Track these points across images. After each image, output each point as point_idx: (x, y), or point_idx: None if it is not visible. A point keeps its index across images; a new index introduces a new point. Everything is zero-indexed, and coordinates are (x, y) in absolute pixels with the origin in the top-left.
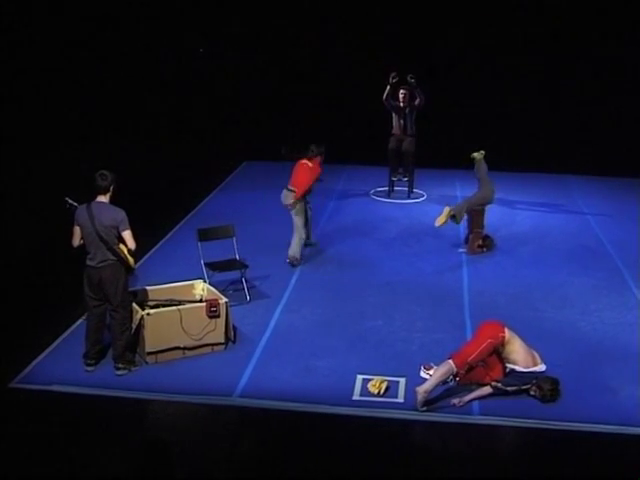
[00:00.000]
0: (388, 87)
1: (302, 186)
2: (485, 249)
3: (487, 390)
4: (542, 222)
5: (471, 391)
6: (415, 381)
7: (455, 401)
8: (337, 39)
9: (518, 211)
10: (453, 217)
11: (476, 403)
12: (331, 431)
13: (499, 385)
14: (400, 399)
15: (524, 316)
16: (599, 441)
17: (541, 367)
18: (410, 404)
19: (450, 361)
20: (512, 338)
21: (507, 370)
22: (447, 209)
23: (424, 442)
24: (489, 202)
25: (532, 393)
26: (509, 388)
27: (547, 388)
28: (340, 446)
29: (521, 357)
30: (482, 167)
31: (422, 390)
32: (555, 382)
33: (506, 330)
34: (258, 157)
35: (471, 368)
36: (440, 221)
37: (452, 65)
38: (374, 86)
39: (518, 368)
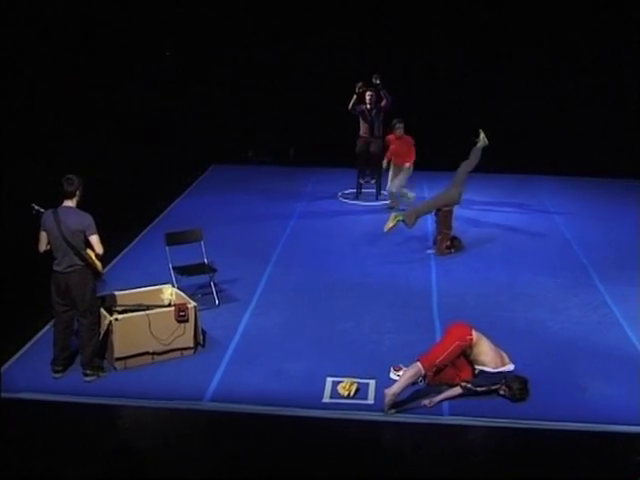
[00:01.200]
0: (354, 97)
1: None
2: (453, 250)
3: (457, 391)
4: (510, 222)
5: (441, 392)
6: (385, 382)
7: (425, 402)
8: (305, 41)
9: (486, 212)
10: (404, 221)
11: (446, 404)
12: (302, 434)
13: (469, 386)
14: (370, 401)
15: (493, 316)
16: (569, 439)
17: (510, 367)
18: (380, 405)
19: (418, 363)
20: (480, 340)
21: (476, 371)
22: (392, 214)
23: (395, 443)
24: (455, 203)
25: (502, 393)
26: (479, 389)
27: (516, 387)
28: (311, 449)
29: (489, 358)
30: (474, 157)
31: (390, 392)
32: (524, 381)
33: (474, 332)
34: (226, 161)
35: (440, 369)
36: (387, 226)
37: (419, 67)
38: (342, 88)
39: (487, 369)
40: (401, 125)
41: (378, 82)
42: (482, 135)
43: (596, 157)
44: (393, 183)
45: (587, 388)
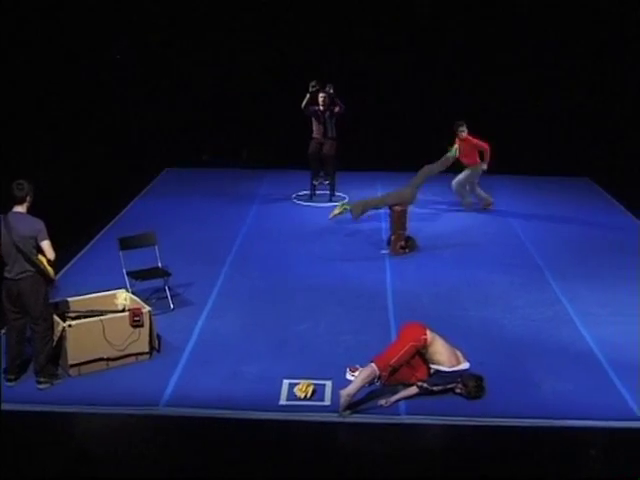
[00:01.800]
0: (307, 95)
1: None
2: (408, 250)
3: (413, 390)
4: (463, 221)
5: (397, 392)
6: (341, 383)
7: (382, 402)
8: (256, 42)
9: (439, 211)
10: (350, 211)
11: (403, 403)
12: (259, 437)
13: (425, 385)
14: (327, 402)
15: (447, 315)
16: (525, 435)
17: (465, 365)
18: (337, 406)
19: (373, 364)
20: (434, 339)
21: (432, 371)
22: (340, 202)
23: (352, 443)
24: (408, 203)
25: (458, 391)
26: (435, 388)
27: (472, 385)
28: (269, 451)
29: (445, 357)
30: (439, 165)
31: (345, 393)
32: (479, 379)
33: (428, 332)
34: (179, 163)
35: (395, 369)
36: (333, 213)
37: (371, 68)
38: (294, 89)
39: (443, 368)
40: (464, 128)
41: (332, 91)
42: (456, 146)
43: (549, 156)
44: (456, 179)
45: (541, 384)
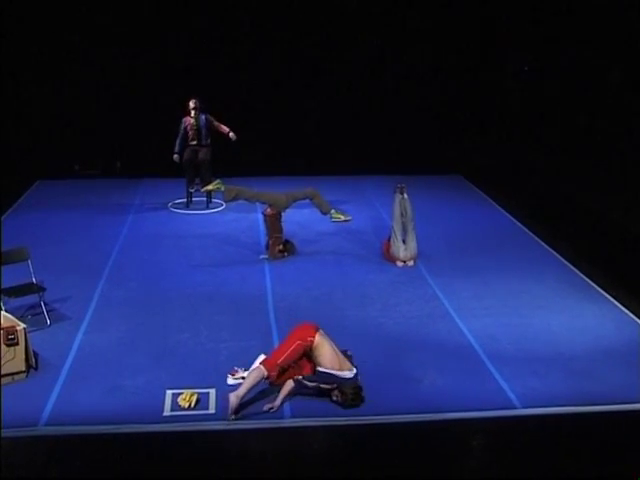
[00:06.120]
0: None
1: None
2: (286, 253)
3: (290, 385)
4: (339, 224)
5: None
6: (225, 390)
7: (268, 406)
8: (126, 50)
9: (316, 213)
10: (223, 192)
11: (287, 406)
12: (145, 450)
13: (299, 378)
14: (212, 410)
15: (327, 316)
16: (407, 430)
17: (346, 374)
18: (222, 414)
19: (261, 365)
20: (323, 342)
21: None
22: (217, 180)
23: (239, 450)
24: (279, 208)
25: (334, 398)
26: (310, 383)
27: (349, 393)
28: (155, 464)
29: (327, 360)
30: (319, 202)
31: (234, 395)
32: (358, 388)
33: (318, 334)
34: (51, 175)
35: (284, 370)
36: (207, 187)
37: (244, 74)
38: (168, 97)
39: (321, 369)
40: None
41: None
42: (334, 213)
43: (423, 156)
44: None
45: (422, 379)
